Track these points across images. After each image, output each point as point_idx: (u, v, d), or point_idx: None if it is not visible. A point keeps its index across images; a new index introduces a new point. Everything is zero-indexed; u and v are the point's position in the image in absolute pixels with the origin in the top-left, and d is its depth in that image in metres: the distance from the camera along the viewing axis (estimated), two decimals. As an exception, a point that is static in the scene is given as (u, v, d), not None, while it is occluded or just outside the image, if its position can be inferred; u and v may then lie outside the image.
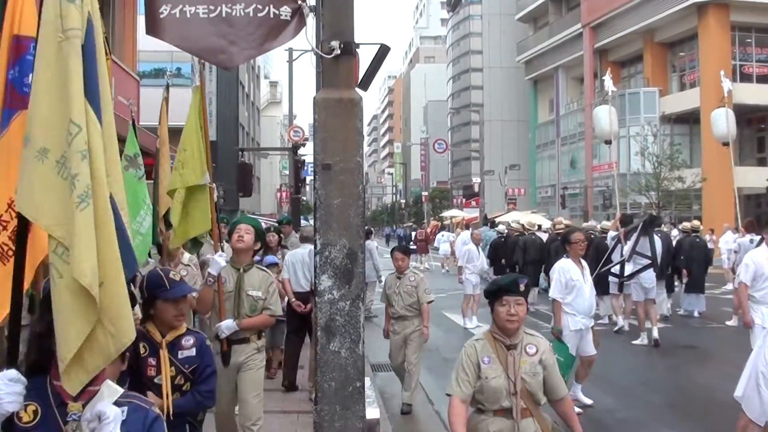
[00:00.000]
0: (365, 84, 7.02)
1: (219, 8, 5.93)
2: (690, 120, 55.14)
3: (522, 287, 5.86)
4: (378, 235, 78.77)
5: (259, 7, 5.94)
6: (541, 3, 79.76)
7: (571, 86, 74.91)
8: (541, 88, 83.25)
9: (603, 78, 37.52)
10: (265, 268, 8.82)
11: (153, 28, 5.99)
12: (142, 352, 5.74)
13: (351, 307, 6.19)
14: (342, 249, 6.19)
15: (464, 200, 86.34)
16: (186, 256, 11.17)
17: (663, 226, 25.04)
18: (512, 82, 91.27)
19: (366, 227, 29.94)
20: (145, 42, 12.55)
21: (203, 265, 10.92)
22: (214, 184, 8.69)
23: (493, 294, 5.92)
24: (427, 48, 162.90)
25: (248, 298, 8.28)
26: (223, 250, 8.73)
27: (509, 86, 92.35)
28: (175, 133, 12.24)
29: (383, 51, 7.11)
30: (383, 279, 15.97)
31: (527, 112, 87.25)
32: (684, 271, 21.85)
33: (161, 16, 5.95)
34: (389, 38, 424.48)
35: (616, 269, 18.41)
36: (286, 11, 5.95)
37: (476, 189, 74.58)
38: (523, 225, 29.55)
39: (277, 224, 18.79)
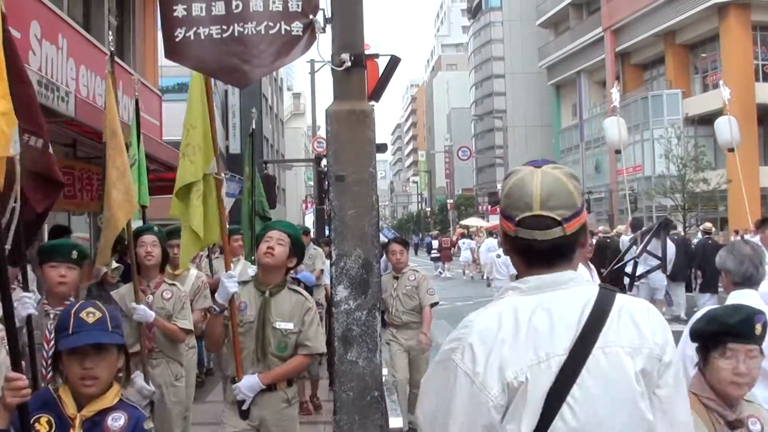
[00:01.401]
0: (377, 95, 7.08)
1: (232, 28, 5.98)
2: (714, 121, 54.72)
3: (759, 329, 3.86)
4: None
5: (271, 24, 5.99)
6: (562, 8, 79.58)
7: (594, 90, 74.70)
8: (564, 93, 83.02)
9: (611, 91, 38.05)
10: (300, 289, 6.42)
11: (171, 52, 6.08)
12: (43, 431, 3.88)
13: (367, 317, 6.24)
14: (357, 259, 6.25)
15: (490, 207, 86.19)
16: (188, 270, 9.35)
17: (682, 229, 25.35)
18: (535, 87, 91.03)
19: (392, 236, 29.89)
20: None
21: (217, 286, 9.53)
22: (223, 175, 6.89)
23: (709, 338, 4.00)
24: (449, 56, 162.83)
25: (275, 333, 6.13)
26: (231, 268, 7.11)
27: (532, 92, 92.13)
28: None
29: (394, 62, 7.17)
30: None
31: (550, 117, 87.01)
32: (698, 273, 22.07)
33: (177, 39, 6.02)
34: (411, 47, 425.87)
35: (628, 269, 18.61)
36: (297, 27, 6.00)
37: (501, 195, 74.40)
38: None
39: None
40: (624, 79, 69.07)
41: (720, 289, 22.98)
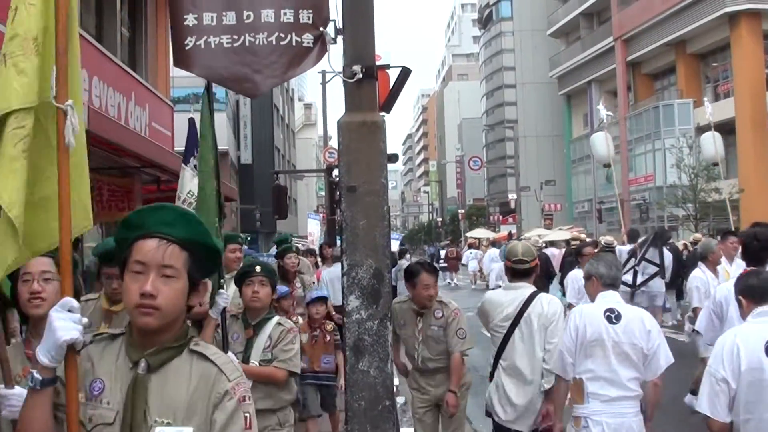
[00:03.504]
0: (388, 106, 7.10)
1: (242, 38, 5.99)
2: (725, 130, 54.55)
3: None
4: (417, 254, 78.69)
5: (282, 35, 6.00)
6: (573, 18, 79.59)
7: (605, 100, 74.33)
8: (575, 103, 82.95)
9: (598, 107, 39.30)
10: (208, 352, 3.10)
11: (180, 60, 6.07)
12: None
13: (379, 327, 6.24)
14: (369, 269, 6.25)
15: (501, 217, 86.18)
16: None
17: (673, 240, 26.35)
18: (546, 97, 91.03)
19: (402, 246, 29.79)
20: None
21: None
22: (70, 105, 3.36)
23: None
24: (460, 65, 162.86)
25: None
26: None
27: (543, 102, 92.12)
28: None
29: (405, 73, 7.19)
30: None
31: (561, 127, 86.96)
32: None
33: (187, 47, 6.02)
34: (422, 57, 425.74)
35: (627, 279, 18.96)
36: (308, 39, 6.02)
37: (512, 206, 74.46)
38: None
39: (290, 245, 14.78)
40: (635, 88, 69.04)
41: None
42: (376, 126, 6.33)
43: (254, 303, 6.63)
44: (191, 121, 6.78)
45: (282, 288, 10.12)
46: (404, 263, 21.47)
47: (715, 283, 11.33)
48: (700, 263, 12.14)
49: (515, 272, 7.33)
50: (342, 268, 6.37)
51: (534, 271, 7.35)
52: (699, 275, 11.77)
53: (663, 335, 6.45)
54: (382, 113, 6.88)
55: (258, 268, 6.73)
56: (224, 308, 6.28)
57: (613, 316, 6.16)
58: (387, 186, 6.43)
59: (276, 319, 6.72)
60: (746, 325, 5.56)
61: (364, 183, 6.27)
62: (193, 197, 6.56)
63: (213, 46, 6.04)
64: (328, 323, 10.08)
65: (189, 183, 6.71)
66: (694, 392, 10.17)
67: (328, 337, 9.91)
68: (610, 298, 6.36)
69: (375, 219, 6.28)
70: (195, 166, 6.52)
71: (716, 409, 5.19)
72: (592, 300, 6.58)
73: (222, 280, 6.35)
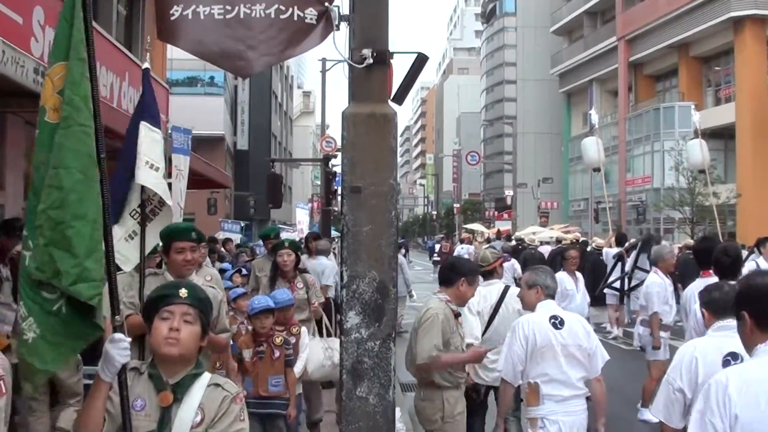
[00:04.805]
0: (400, 97, 6.35)
1: (236, 9, 5.36)
2: (725, 135, 54.32)
3: None
4: (410, 247, 78.29)
5: (282, 8, 5.36)
6: (576, 16, 79.28)
7: (606, 99, 74.27)
8: (575, 102, 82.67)
9: (590, 112, 39.96)
10: None
11: (164, 33, 5.44)
12: None
13: (381, 348, 5.57)
14: (372, 282, 5.57)
15: (496, 213, 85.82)
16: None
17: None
18: (546, 94, 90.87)
19: (401, 240, 29.27)
20: (179, 50, 12.25)
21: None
22: None
23: None
24: (461, 59, 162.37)
25: None
26: None
27: (543, 99, 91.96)
28: (205, 141, 11.34)
29: (421, 60, 6.45)
30: (414, 294, 15.16)
31: (561, 125, 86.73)
32: (679, 286, 22.55)
33: (172, 18, 5.38)
34: (423, 49, 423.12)
35: (617, 285, 19.77)
36: (311, 14, 5.40)
37: (508, 202, 74.16)
38: (522, 239, 34.53)
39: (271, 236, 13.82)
40: (636, 89, 68.81)
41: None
42: (386, 119, 5.67)
43: (170, 349, 3.77)
44: (146, 72, 5.47)
45: (238, 290, 9.72)
46: (400, 258, 20.95)
47: (671, 289, 12.33)
48: (654, 268, 12.61)
49: (482, 274, 8.96)
50: (341, 279, 5.71)
51: (495, 271, 9.35)
52: (657, 280, 12.11)
53: (597, 337, 7.16)
54: (393, 104, 6.16)
55: (183, 292, 3.89)
56: (124, 365, 3.78)
57: (557, 322, 6.78)
58: (396, 188, 5.75)
59: (208, 377, 3.91)
60: (706, 338, 5.66)
61: (370, 184, 5.60)
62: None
63: (202, 16, 5.42)
64: (277, 336, 7.94)
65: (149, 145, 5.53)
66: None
67: (277, 353, 7.82)
68: (550, 307, 6.99)
69: (381, 225, 5.62)
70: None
71: (670, 416, 5.48)
72: (531, 309, 7.14)
73: (116, 317, 4.06)
